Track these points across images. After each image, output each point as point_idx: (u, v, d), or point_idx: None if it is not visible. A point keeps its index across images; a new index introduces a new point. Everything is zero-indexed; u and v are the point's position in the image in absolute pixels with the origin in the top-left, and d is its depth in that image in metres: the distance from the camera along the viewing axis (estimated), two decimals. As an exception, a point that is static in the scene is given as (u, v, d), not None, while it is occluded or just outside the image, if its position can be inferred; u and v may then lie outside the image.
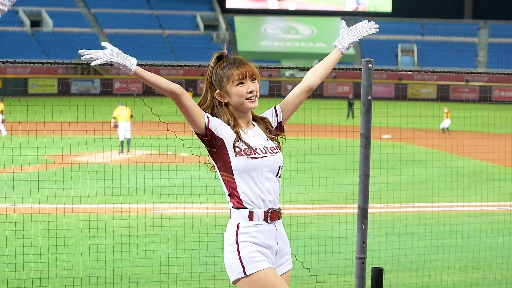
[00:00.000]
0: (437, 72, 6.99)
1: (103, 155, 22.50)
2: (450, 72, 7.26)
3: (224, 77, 4.51)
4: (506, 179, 18.83)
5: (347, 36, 5.05)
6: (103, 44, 4.33)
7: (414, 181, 16.38)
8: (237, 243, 4.49)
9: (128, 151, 24.67)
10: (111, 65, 4.32)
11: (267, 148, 4.55)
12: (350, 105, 46.07)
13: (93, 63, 4.23)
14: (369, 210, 6.47)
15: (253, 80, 4.54)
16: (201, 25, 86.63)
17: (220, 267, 9.33)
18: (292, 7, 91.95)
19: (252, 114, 4.66)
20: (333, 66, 5.03)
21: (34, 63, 6.43)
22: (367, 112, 6.17)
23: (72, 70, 71.94)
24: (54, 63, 6.52)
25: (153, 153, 20.12)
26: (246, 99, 4.50)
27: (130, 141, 25.03)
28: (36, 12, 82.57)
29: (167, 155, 18.15)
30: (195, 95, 61.01)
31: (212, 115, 4.58)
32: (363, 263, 6.28)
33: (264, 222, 4.51)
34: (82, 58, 4.26)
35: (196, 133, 4.54)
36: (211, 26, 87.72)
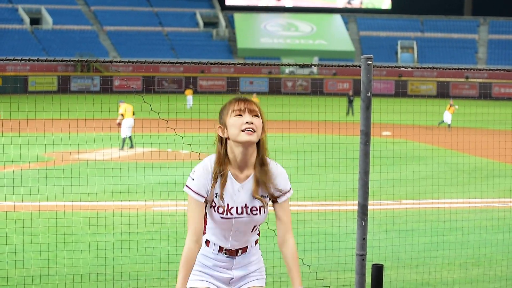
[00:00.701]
0: (437, 68, 6.97)
1: (103, 153, 22.50)
2: (450, 69, 7.25)
3: (225, 110, 4.45)
4: (506, 176, 18.83)
5: None
6: None
7: (414, 177, 16.38)
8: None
9: (131, 147, 24.61)
10: None
11: (247, 207, 4.45)
12: (350, 101, 46.07)
13: None
14: (369, 207, 6.47)
15: (253, 116, 4.38)
16: (201, 22, 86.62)
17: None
18: (291, 4, 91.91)
19: (262, 159, 4.48)
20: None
21: (33, 60, 6.43)
22: (367, 108, 6.17)
23: (71, 68, 71.94)
24: (54, 61, 6.52)
25: (153, 150, 20.12)
26: (242, 130, 4.33)
27: (131, 138, 25.02)
28: (35, 10, 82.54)
29: (167, 152, 18.16)
30: (195, 92, 60.99)
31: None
32: (363, 259, 6.28)
33: (219, 253, 4.55)
34: None
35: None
36: (211, 23, 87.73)
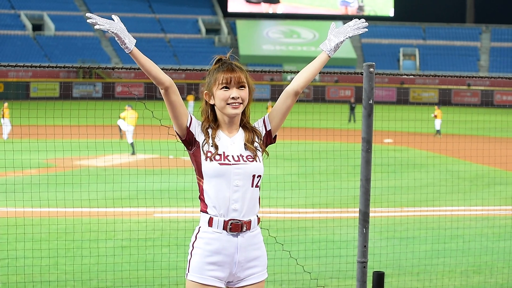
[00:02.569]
0: (439, 76, 6.98)
1: (104, 159, 22.50)
2: (452, 76, 7.26)
3: (212, 79, 4.55)
4: (508, 183, 18.82)
5: (333, 38, 4.90)
6: (112, 16, 4.35)
7: (416, 185, 16.37)
8: (193, 246, 4.56)
9: (133, 154, 24.58)
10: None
11: (242, 156, 4.51)
12: (352, 109, 46.08)
13: (95, 27, 4.24)
14: (371, 214, 6.46)
15: (240, 87, 4.51)
16: (203, 29, 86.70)
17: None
18: (293, 11, 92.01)
19: (245, 122, 4.64)
20: (320, 70, 4.86)
21: (36, 66, 6.44)
22: (369, 116, 6.17)
23: (74, 74, 71.99)
24: (56, 67, 6.53)
25: (155, 157, 20.12)
26: (228, 104, 4.49)
27: (133, 144, 24.99)
28: (38, 16, 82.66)
29: (168, 159, 18.16)
30: (197, 99, 61.09)
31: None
32: (364, 267, 6.28)
33: (223, 231, 4.49)
34: (88, 21, 4.28)
35: (177, 134, 4.58)
36: (213, 30, 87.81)
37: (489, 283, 9.40)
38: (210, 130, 4.53)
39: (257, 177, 4.52)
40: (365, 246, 6.27)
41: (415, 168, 21.39)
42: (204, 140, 4.50)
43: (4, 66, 6.57)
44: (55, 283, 8.89)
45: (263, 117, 4.74)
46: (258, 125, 4.70)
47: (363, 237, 6.27)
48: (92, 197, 11.26)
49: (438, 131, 36.64)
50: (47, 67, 6.60)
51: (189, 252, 4.54)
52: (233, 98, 4.47)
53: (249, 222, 4.52)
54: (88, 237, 11.04)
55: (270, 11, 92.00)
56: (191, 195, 12.68)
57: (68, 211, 12.07)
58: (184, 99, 63.98)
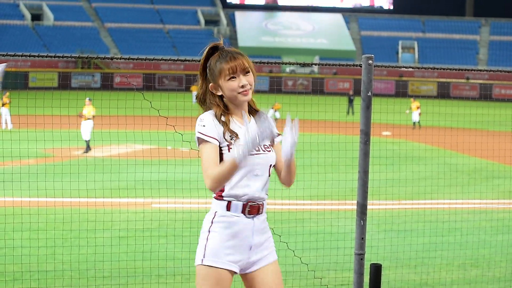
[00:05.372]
0: (437, 69, 6.96)
1: (102, 149, 22.50)
2: (450, 70, 7.25)
3: (216, 71, 4.52)
4: (506, 177, 18.83)
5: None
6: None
7: (414, 177, 16.38)
8: (209, 231, 4.52)
9: (88, 152, 23.47)
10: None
11: (260, 145, 4.52)
12: (350, 101, 46.10)
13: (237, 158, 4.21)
14: (368, 207, 6.46)
15: (246, 74, 4.51)
16: (202, 20, 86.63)
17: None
18: (292, 3, 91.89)
19: (249, 105, 4.65)
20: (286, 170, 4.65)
21: (34, 56, 6.42)
22: (367, 108, 6.16)
23: (72, 64, 71.94)
24: (55, 57, 6.51)
25: (153, 148, 20.11)
26: (239, 93, 4.49)
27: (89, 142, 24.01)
28: (37, 6, 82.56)
29: (167, 150, 18.14)
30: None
31: (204, 104, 4.62)
32: (361, 259, 6.28)
33: (242, 214, 4.51)
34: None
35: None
36: (212, 21, 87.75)
37: (486, 277, 9.41)
38: (223, 117, 4.52)
39: (272, 166, 4.59)
40: (362, 239, 6.27)
41: (413, 160, 21.40)
42: (224, 130, 4.49)
43: (3, 55, 6.55)
44: (52, 272, 8.89)
45: (278, 135, 4.65)
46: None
47: (360, 229, 6.27)
48: (90, 187, 11.26)
49: (415, 123, 36.94)
50: (46, 56, 6.57)
51: (205, 238, 4.52)
52: (242, 86, 4.48)
53: (263, 205, 4.58)
54: (86, 227, 11.04)
55: (270, 3, 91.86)
56: (189, 185, 12.69)
57: (65, 201, 12.07)
58: (182, 90, 63.97)
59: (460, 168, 19.86)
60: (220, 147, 4.47)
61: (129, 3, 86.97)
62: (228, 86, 4.49)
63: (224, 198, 4.51)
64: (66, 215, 11.30)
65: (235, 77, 4.49)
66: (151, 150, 19.81)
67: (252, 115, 4.64)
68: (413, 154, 22.91)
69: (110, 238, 10.55)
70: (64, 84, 56.43)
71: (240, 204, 4.50)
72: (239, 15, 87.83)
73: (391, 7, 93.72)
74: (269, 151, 4.56)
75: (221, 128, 4.48)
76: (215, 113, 4.53)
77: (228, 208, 4.51)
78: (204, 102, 4.64)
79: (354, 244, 6.22)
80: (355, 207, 6.23)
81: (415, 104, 37.51)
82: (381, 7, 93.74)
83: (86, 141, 23.62)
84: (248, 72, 4.53)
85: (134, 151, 21.51)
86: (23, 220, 9.79)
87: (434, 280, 9.18)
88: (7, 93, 31.82)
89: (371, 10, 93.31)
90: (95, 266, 9.24)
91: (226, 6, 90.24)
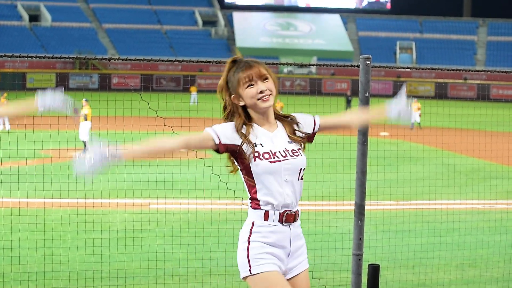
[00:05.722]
0: (435, 69, 6.98)
1: (101, 150, 22.41)
2: (448, 70, 7.26)
3: (235, 81, 4.54)
4: (504, 177, 18.84)
5: (395, 109, 4.92)
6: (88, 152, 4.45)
7: (411, 178, 16.37)
8: (248, 242, 4.53)
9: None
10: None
11: (288, 151, 4.54)
12: (348, 102, 46.15)
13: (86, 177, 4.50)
14: (366, 207, 6.47)
15: (264, 80, 4.52)
16: (200, 21, 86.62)
17: (216, 263, 9.33)
18: (291, 3, 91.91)
19: (275, 113, 4.65)
20: (371, 121, 5.15)
21: (32, 57, 6.42)
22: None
23: (70, 65, 71.91)
24: (52, 58, 6.52)
25: (151, 148, 20.09)
26: (258, 99, 4.50)
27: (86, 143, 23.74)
28: (34, 7, 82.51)
29: (165, 151, 18.10)
30: (199, 91, 61.26)
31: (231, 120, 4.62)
32: (359, 259, 6.29)
33: (279, 223, 4.52)
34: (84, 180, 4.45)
35: (215, 150, 4.56)
36: (210, 22, 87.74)
37: (484, 277, 9.41)
38: (244, 128, 4.53)
39: (303, 170, 4.59)
40: (360, 239, 6.28)
41: (411, 161, 21.41)
42: (243, 141, 4.50)
43: (1, 56, 6.55)
44: (50, 273, 8.89)
45: (312, 117, 4.80)
46: (305, 121, 4.75)
47: (358, 229, 6.27)
48: (87, 188, 11.24)
49: (414, 123, 36.90)
50: (44, 57, 6.58)
51: (245, 248, 4.53)
52: (261, 92, 4.49)
53: (297, 212, 4.60)
54: (84, 228, 11.04)
55: (267, 3, 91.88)
56: (186, 186, 12.68)
57: (63, 202, 12.05)
58: (180, 91, 63.97)
59: (457, 168, 19.88)
60: (243, 158, 4.49)
61: (127, 4, 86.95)
62: (247, 94, 4.51)
63: (261, 208, 4.54)
64: (64, 216, 11.29)
65: (253, 84, 4.51)
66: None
67: (280, 121, 4.66)
68: (410, 155, 22.92)
69: (108, 238, 10.54)
70: (62, 85, 56.41)
71: (277, 213, 4.52)
72: (236, 16, 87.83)
73: (389, 8, 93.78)
74: (298, 155, 4.58)
75: (237, 137, 4.50)
76: (236, 124, 4.55)
77: (266, 217, 4.54)
78: (232, 118, 4.64)
79: (352, 244, 6.23)
80: (353, 207, 6.23)
81: (415, 105, 37.45)
82: (379, 7, 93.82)
83: (83, 142, 23.64)
84: (267, 78, 4.54)
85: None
86: (21, 221, 9.79)
87: (432, 280, 9.19)
88: (5, 94, 31.81)
89: (369, 11, 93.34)
90: (93, 267, 9.23)
91: (223, 6, 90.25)
